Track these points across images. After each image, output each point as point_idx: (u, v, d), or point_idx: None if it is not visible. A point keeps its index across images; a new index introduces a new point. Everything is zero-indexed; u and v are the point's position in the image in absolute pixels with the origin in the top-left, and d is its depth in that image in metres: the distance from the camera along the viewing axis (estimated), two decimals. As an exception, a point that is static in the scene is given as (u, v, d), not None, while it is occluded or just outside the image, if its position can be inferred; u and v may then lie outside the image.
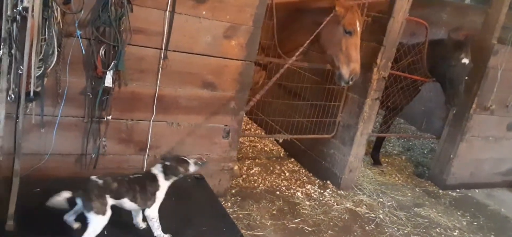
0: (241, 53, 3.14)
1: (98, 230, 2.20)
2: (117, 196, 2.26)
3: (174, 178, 2.47)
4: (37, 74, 2.34)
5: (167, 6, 2.74)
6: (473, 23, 5.68)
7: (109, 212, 2.21)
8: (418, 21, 4.04)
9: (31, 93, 2.32)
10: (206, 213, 2.83)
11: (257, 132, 5.29)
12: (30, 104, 2.43)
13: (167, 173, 2.43)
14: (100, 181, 2.23)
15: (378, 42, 3.77)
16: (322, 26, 3.34)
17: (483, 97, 4.58)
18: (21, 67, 2.25)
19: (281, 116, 4.59)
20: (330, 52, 3.50)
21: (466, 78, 4.27)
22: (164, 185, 2.43)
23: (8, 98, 2.35)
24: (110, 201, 2.23)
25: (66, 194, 2.22)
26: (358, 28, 3.42)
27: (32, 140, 2.62)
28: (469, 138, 4.72)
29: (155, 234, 2.41)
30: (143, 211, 2.44)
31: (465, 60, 4.14)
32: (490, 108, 4.66)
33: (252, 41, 3.15)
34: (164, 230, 2.46)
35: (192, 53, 2.97)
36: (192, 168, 2.54)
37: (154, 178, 2.41)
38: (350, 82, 3.48)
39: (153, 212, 2.39)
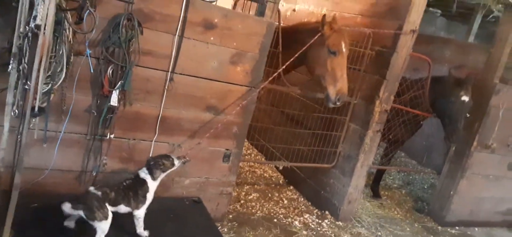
0: (246, 79, 3.19)
1: (106, 231, 2.41)
2: (114, 204, 2.47)
3: (161, 175, 2.68)
4: (43, 91, 2.38)
5: (177, 30, 2.80)
6: (475, 62, 5.74)
7: (110, 215, 2.41)
8: (421, 57, 4.09)
9: (36, 109, 2.35)
10: (202, 237, 2.82)
11: (257, 157, 5.29)
12: (33, 120, 2.46)
13: (153, 173, 2.63)
14: (99, 193, 2.41)
15: (381, 76, 3.81)
16: (305, 47, 3.39)
17: (484, 135, 4.59)
18: (28, 82, 2.29)
19: (282, 143, 4.60)
20: (317, 73, 3.56)
21: (468, 115, 4.30)
22: (152, 186, 2.64)
23: (12, 113, 2.38)
24: (110, 208, 2.44)
25: (66, 207, 2.36)
26: (344, 49, 3.46)
27: (33, 155, 2.64)
28: (469, 175, 4.70)
29: (138, 231, 2.60)
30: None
31: (465, 98, 4.17)
32: (491, 147, 4.67)
33: (257, 68, 3.20)
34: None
35: (198, 77, 3.02)
36: (177, 163, 2.74)
37: (143, 182, 2.61)
38: (338, 103, 3.50)
39: (141, 212, 2.60)
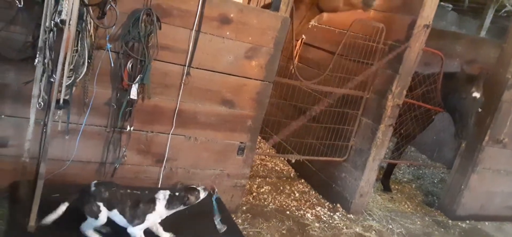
0: (261, 73, 3.24)
1: (93, 225, 2.37)
2: (109, 207, 2.36)
3: (180, 207, 2.51)
4: (67, 84, 2.46)
5: (194, 25, 2.86)
6: (487, 57, 5.72)
7: (102, 215, 2.34)
8: (433, 52, 4.11)
9: (61, 101, 2.43)
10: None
11: (268, 151, 5.34)
12: (58, 112, 2.53)
13: (172, 204, 2.47)
14: (93, 188, 2.36)
15: (394, 70, 3.84)
16: None
17: (496, 130, 4.59)
18: (54, 75, 2.36)
19: (293, 137, 4.64)
20: None
21: (479, 110, 4.31)
22: (161, 212, 2.46)
23: (38, 105, 2.46)
24: (104, 210, 2.35)
25: (63, 207, 2.34)
26: None
27: (55, 146, 2.71)
28: (480, 170, 4.72)
29: None
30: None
31: (476, 94, 4.17)
32: (502, 142, 4.68)
33: (271, 62, 3.24)
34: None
35: (214, 71, 3.07)
36: (202, 195, 2.58)
37: (152, 201, 2.44)
38: None
39: (135, 231, 2.40)
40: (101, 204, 2.34)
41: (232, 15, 2.97)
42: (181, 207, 2.53)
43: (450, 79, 4.29)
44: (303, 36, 4.92)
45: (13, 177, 2.70)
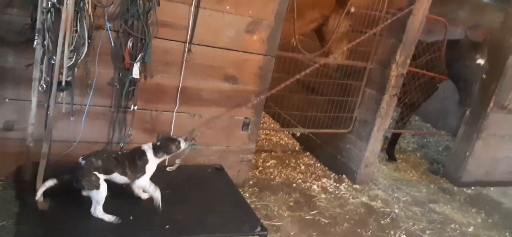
0: (262, 47, 3.20)
1: (100, 201, 2.40)
2: (106, 172, 2.43)
3: (165, 156, 2.64)
4: (68, 65, 2.44)
5: (193, 0, 2.81)
6: (491, 22, 5.63)
7: (103, 184, 2.39)
8: (437, 19, 4.04)
9: (63, 83, 2.42)
10: (227, 202, 2.92)
11: (271, 125, 5.35)
12: (61, 94, 2.53)
13: (156, 152, 2.59)
14: (83, 162, 2.38)
15: (397, 39, 3.79)
16: None
17: (500, 96, 4.56)
18: (54, 57, 2.35)
19: (297, 110, 4.64)
20: None
21: (484, 76, 4.27)
22: (153, 160, 2.59)
23: (40, 88, 2.46)
24: (101, 176, 2.40)
25: (50, 182, 2.35)
26: None
27: (62, 128, 2.72)
28: (485, 136, 4.72)
29: (154, 194, 2.59)
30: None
31: (480, 61, 4.12)
32: (507, 107, 4.66)
33: (273, 36, 3.20)
34: (187, 217, 2.60)
35: (215, 47, 3.04)
36: (183, 145, 2.70)
37: (143, 153, 2.57)
38: None
39: (142, 182, 2.57)
40: (96, 173, 2.38)
41: (231, -11, 2.93)
42: (166, 156, 2.66)
43: (454, 47, 4.24)
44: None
45: (20, 160, 2.72)
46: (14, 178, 2.74)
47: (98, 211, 2.43)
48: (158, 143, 2.61)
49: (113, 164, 2.46)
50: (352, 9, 3.80)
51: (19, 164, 2.71)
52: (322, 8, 3.95)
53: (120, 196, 2.58)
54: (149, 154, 2.58)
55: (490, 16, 5.99)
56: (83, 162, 2.39)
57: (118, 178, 2.49)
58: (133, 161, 2.53)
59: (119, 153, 2.57)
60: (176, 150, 2.67)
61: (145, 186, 2.59)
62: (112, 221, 2.43)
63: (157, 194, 2.59)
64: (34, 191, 2.34)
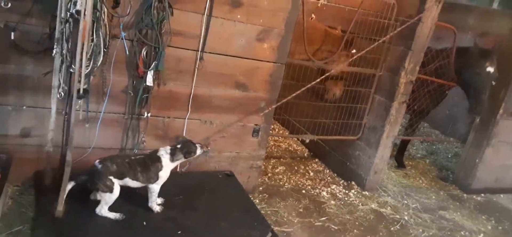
0: (273, 55, 3.25)
1: (109, 202, 2.49)
2: (119, 177, 2.50)
3: (182, 159, 2.69)
4: (85, 73, 2.51)
5: (205, 10, 2.87)
6: (500, 28, 5.62)
7: (116, 188, 2.47)
8: (446, 26, 4.06)
9: (81, 91, 2.49)
10: (237, 208, 2.96)
11: (280, 132, 5.39)
12: (78, 101, 2.59)
13: (175, 155, 2.65)
14: (100, 166, 2.47)
15: (406, 47, 3.81)
16: None
17: (510, 103, 4.55)
18: (73, 66, 2.42)
19: (306, 117, 4.67)
20: None
21: (493, 83, 4.26)
22: (168, 165, 2.65)
23: (58, 96, 2.53)
24: (116, 181, 2.49)
25: (69, 186, 2.44)
26: None
27: (77, 134, 2.76)
28: (495, 143, 4.70)
29: (149, 204, 2.67)
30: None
31: (490, 69, 4.12)
32: (517, 114, 4.65)
33: (283, 44, 3.25)
34: (198, 222, 2.63)
35: (226, 55, 3.10)
36: (198, 152, 2.76)
37: (157, 159, 2.62)
38: None
39: (155, 187, 2.64)
40: (111, 178, 2.47)
41: (242, -2, 2.98)
42: (183, 159, 2.71)
43: (464, 54, 4.25)
44: (313, 15, 4.89)
45: (37, 166, 2.79)
46: (31, 184, 2.80)
47: (103, 210, 2.51)
48: (178, 145, 2.67)
49: (126, 168, 2.53)
50: (353, 51, 3.87)
51: (36, 170, 2.78)
52: (330, 46, 4.07)
53: (133, 202, 2.63)
54: (165, 159, 2.62)
55: (498, 23, 5.97)
56: (100, 166, 2.47)
57: (131, 182, 2.56)
58: (146, 166, 2.58)
59: (133, 158, 2.61)
60: (193, 155, 2.72)
61: (155, 191, 2.65)
62: (117, 219, 2.51)
63: (154, 206, 2.68)
64: (53, 196, 2.39)
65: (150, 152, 2.70)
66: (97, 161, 2.51)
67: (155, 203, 2.69)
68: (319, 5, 4.80)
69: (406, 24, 3.70)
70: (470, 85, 4.22)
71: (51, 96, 2.49)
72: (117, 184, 2.49)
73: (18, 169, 2.71)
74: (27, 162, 2.77)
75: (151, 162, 2.60)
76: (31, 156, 2.77)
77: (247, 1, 3.00)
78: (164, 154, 2.64)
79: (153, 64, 2.79)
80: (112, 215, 2.51)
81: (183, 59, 2.96)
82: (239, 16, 3.02)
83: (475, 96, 4.21)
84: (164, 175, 2.64)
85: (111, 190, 2.47)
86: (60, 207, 2.36)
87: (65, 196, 2.40)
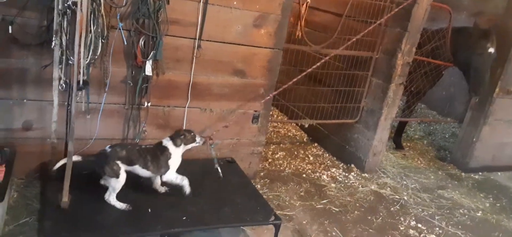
0: (270, 41, 3.27)
1: (117, 188, 2.51)
2: (128, 163, 2.54)
3: (182, 145, 2.71)
4: (84, 65, 2.52)
5: (201, -3, 2.88)
6: (495, 8, 5.64)
7: (123, 174, 2.50)
8: (441, 6, 4.08)
9: (81, 82, 2.50)
10: (240, 193, 2.99)
11: (279, 117, 5.42)
12: (79, 93, 2.61)
13: (175, 140, 2.68)
14: (109, 150, 2.51)
15: (403, 28, 3.84)
16: None
17: (506, 81, 4.59)
18: (72, 57, 2.43)
19: (304, 102, 4.70)
20: None
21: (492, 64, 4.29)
22: (175, 152, 2.68)
23: (60, 88, 2.54)
24: (123, 167, 2.51)
25: (75, 158, 2.48)
26: None
27: (79, 126, 2.78)
28: (492, 121, 4.75)
29: (182, 183, 2.70)
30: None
31: (491, 50, 4.15)
32: (513, 92, 4.69)
33: (280, 29, 3.26)
34: (202, 208, 2.68)
35: (224, 42, 3.11)
36: (198, 139, 2.79)
37: (164, 149, 2.66)
38: None
39: (169, 176, 2.68)
40: (119, 163, 2.50)
41: (238, -16, 2.99)
42: (183, 145, 2.72)
43: (462, 34, 4.26)
44: (308, 0, 4.89)
45: (40, 159, 2.82)
46: (35, 176, 2.83)
47: (111, 197, 2.53)
48: (175, 133, 2.72)
49: (136, 156, 2.56)
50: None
51: (39, 162, 2.81)
52: None
53: (138, 189, 2.67)
54: (170, 147, 2.66)
55: (493, 2, 6.00)
56: (109, 150, 2.51)
57: (140, 171, 2.59)
58: (156, 156, 2.62)
59: (143, 147, 2.66)
60: (192, 141, 2.75)
61: (172, 180, 2.69)
62: (123, 209, 2.54)
63: (185, 182, 2.71)
64: (58, 187, 2.42)
65: (156, 143, 2.72)
66: (107, 146, 2.55)
67: (185, 181, 2.71)
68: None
69: (402, 5, 3.71)
70: (471, 66, 4.23)
71: (53, 89, 2.50)
72: (123, 170, 2.51)
73: (22, 162, 2.73)
74: (31, 155, 2.80)
75: (160, 152, 2.65)
76: (35, 149, 2.79)
77: (243, -13, 3.00)
78: (166, 141, 2.68)
79: (152, 53, 2.80)
80: (119, 205, 2.54)
81: (180, 47, 2.97)
82: (235, 3, 3.02)
83: (477, 77, 4.23)
84: (174, 161, 2.69)
85: (117, 175, 2.49)
86: (65, 197, 2.39)
87: (61, 163, 2.44)
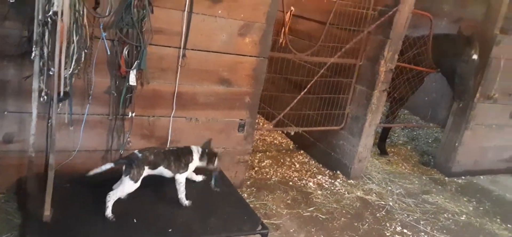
0: (255, 50, 3.27)
1: (125, 193, 2.56)
2: (154, 166, 2.65)
3: (204, 163, 2.86)
4: (65, 75, 2.47)
5: (185, 6, 2.87)
6: (473, 14, 5.79)
7: (139, 182, 2.56)
8: (423, 13, 4.16)
9: (61, 94, 2.45)
10: (227, 203, 2.97)
11: (264, 125, 5.41)
12: (60, 104, 2.56)
13: (203, 156, 2.84)
14: (140, 155, 2.59)
15: (385, 35, 3.89)
16: None
17: (486, 86, 4.70)
18: (52, 68, 2.38)
19: (289, 109, 4.69)
20: None
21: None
22: (197, 160, 2.83)
23: (41, 100, 2.49)
24: (149, 171, 2.62)
25: (107, 166, 2.52)
26: None
27: (61, 138, 2.73)
28: (473, 126, 4.85)
29: (179, 196, 2.77)
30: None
31: (475, 57, 4.24)
32: (493, 97, 4.80)
33: (265, 38, 3.27)
34: (189, 219, 2.63)
35: (209, 51, 3.10)
36: (216, 164, 2.93)
37: (189, 152, 2.81)
38: None
39: (181, 177, 2.76)
40: (146, 168, 2.59)
41: (223, -7, 2.99)
42: (205, 165, 2.88)
43: (445, 41, 4.34)
44: (292, 8, 4.92)
45: (20, 172, 2.75)
46: (15, 191, 2.76)
47: (113, 197, 2.51)
48: (207, 151, 2.86)
49: (161, 158, 2.67)
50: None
51: (20, 175, 2.73)
52: None
53: (123, 201, 2.61)
54: (196, 155, 2.81)
55: (472, 9, 6.16)
56: (140, 154, 2.57)
57: (164, 171, 2.70)
58: (178, 158, 2.74)
59: (167, 149, 2.78)
60: (211, 164, 2.90)
61: (181, 182, 2.76)
62: (109, 217, 2.49)
63: (183, 195, 2.80)
64: (39, 202, 2.36)
65: (180, 147, 2.86)
66: (137, 150, 2.62)
67: (184, 195, 2.77)
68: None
69: (387, 14, 3.77)
70: (456, 73, 4.29)
71: (32, 100, 2.44)
72: (144, 174, 2.57)
73: (2, 175, 2.67)
74: (11, 168, 2.73)
75: (184, 154, 2.78)
76: (14, 162, 2.72)
77: (227, -4, 3.00)
78: (196, 150, 2.82)
79: (136, 63, 2.77)
80: (109, 210, 2.50)
81: (165, 57, 2.95)
82: (220, 12, 3.02)
83: (462, 83, 4.30)
84: (192, 167, 2.81)
85: (137, 180, 2.54)
86: (47, 211, 2.33)
87: (96, 171, 2.51)
